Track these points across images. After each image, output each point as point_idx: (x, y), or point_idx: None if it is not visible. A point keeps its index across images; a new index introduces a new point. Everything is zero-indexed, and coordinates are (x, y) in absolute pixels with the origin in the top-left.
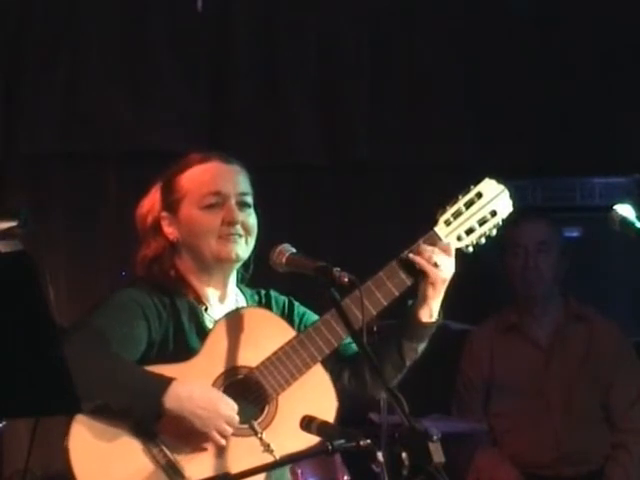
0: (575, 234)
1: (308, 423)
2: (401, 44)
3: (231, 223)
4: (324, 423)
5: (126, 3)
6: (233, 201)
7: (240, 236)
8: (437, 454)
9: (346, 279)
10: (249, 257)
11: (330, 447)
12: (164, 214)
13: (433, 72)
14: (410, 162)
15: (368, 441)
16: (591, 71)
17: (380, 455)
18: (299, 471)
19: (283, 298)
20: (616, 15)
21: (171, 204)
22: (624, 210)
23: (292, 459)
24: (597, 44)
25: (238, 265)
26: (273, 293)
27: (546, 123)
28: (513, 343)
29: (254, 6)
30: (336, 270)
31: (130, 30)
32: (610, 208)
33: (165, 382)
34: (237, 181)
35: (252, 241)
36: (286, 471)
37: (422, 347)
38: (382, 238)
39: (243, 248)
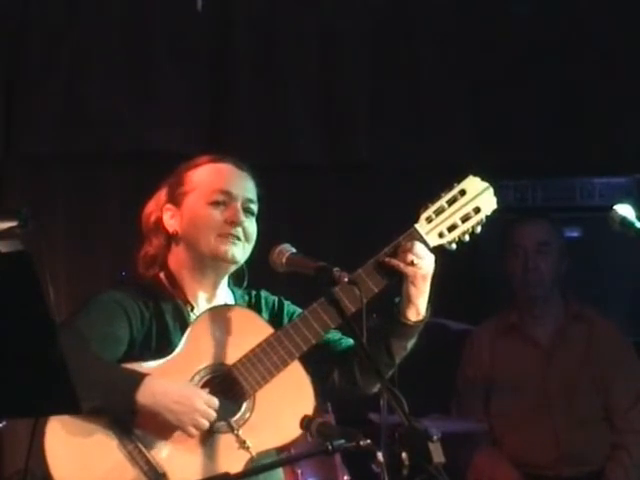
0: (575, 234)
1: (308, 423)
2: (401, 44)
3: (233, 223)
4: (324, 423)
5: (126, 3)
6: (239, 203)
7: (239, 239)
8: (437, 454)
9: (346, 279)
10: (241, 267)
11: (330, 447)
12: (168, 206)
13: (433, 72)
14: (410, 162)
15: (368, 441)
16: (591, 71)
17: (380, 455)
18: (299, 471)
19: (273, 298)
20: (616, 15)
21: (177, 197)
22: (624, 210)
23: (292, 459)
24: (597, 44)
25: (232, 268)
26: (263, 293)
27: (546, 123)
28: (513, 343)
29: (254, 6)
30: (336, 270)
31: (130, 30)
32: (610, 208)
33: (138, 378)
34: (246, 187)
35: (249, 248)
36: (279, 469)
37: (411, 344)
38: (382, 238)
39: (240, 251)
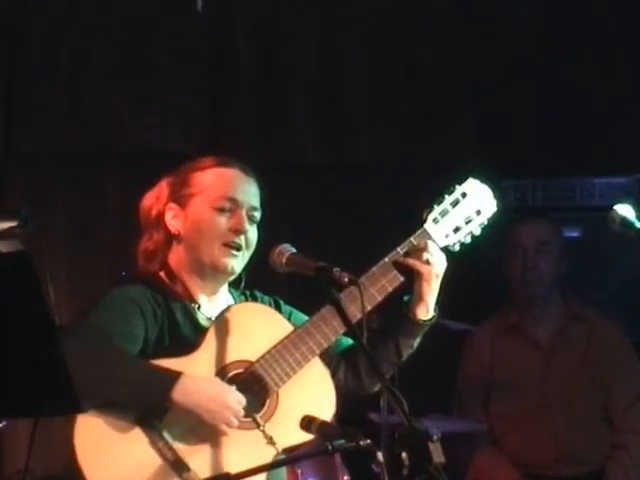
0: (575, 234)
1: (308, 423)
2: (401, 44)
3: (238, 232)
4: (324, 423)
5: (126, 3)
6: (244, 211)
7: (240, 249)
8: (437, 454)
9: (346, 279)
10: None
11: (330, 447)
12: (171, 205)
13: (433, 72)
14: (410, 162)
15: (368, 441)
16: (591, 71)
17: (380, 455)
18: (299, 471)
19: (268, 298)
20: (616, 15)
21: (181, 198)
22: (624, 210)
23: (292, 459)
24: (597, 44)
25: (231, 278)
26: (258, 293)
27: (546, 123)
28: (513, 343)
29: (254, 6)
30: (336, 270)
31: (130, 30)
32: (610, 208)
33: (173, 376)
34: (251, 194)
35: (248, 256)
36: (283, 468)
37: (417, 342)
38: (382, 238)
39: (239, 263)
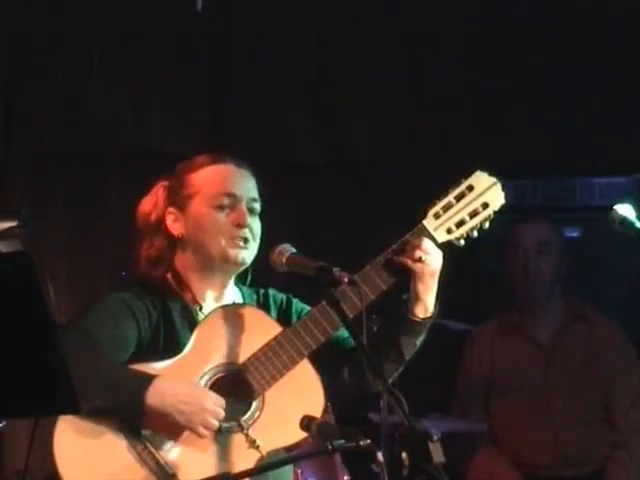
0: (575, 234)
1: (308, 423)
2: (401, 44)
3: (240, 225)
4: (324, 423)
5: (126, 3)
6: (244, 204)
7: (247, 241)
8: (437, 454)
9: (346, 279)
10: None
11: (330, 447)
12: (170, 209)
13: (433, 72)
14: (410, 162)
15: (368, 441)
16: (591, 71)
17: (380, 455)
18: (299, 471)
19: (281, 296)
20: (616, 16)
21: (180, 200)
22: (624, 210)
23: (292, 459)
24: (596, 45)
25: (241, 270)
26: (271, 291)
27: (546, 123)
28: (514, 343)
29: (254, 6)
30: (336, 270)
31: (130, 30)
32: (610, 208)
33: (146, 379)
34: (249, 186)
35: (256, 247)
36: (288, 468)
37: (420, 340)
38: (382, 238)
39: (249, 253)
